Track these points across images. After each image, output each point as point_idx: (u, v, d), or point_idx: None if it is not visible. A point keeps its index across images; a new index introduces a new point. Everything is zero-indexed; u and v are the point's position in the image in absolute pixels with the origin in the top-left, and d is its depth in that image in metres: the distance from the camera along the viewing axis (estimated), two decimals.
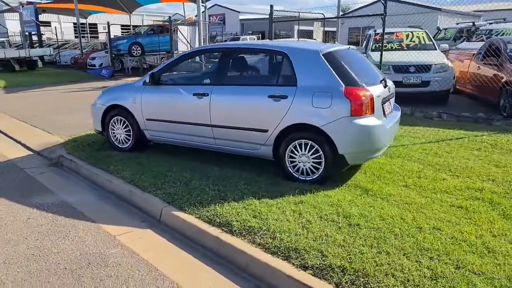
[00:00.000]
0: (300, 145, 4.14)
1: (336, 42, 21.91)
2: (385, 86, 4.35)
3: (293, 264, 2.76)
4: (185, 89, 4.77)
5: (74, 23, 33.56)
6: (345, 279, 2.55)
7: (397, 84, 8.68)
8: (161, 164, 4.79)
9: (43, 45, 24.30)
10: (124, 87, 5.42)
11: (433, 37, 17.98)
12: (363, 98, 3.91)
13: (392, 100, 4.78)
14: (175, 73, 5.06)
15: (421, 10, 22.50)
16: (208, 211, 3.51)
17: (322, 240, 2.98)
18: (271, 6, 10.24)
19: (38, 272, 2.87)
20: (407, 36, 10.14)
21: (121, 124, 5.35)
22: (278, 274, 2.71)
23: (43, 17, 32.63)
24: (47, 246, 3.22)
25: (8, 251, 3.16)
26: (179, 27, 15.30)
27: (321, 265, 2.69)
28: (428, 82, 8.77)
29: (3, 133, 7.33)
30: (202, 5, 23.59)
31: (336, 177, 4.25)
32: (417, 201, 3.70)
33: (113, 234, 3.44)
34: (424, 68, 8.72)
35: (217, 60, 4.73)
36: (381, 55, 8.47)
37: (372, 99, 3.98)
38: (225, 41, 23.15)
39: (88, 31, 37.84)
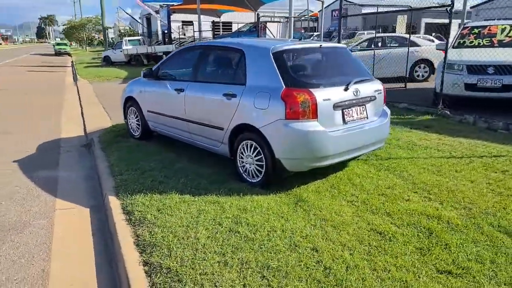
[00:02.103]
0: (247, 145, 4.05)
1: None
2: (346, 89, 3.90)
3: (142, 258, 2.83)
4: (171, 84, 5.06)
5: (212, 22, 36.97)
6: (162, 280, 2.53)
7: (470, 87, 7.56)
8: (147, 152, 5.21)
9: (174, 42, 27.40)
10: (138, 80, 5.97)
11: None
12: (301, 101, 3.62)
13: (371, 105, 4.22)
14: (169, 69, 5.36)
15: None
16: (131, 199, 3.76)
17: (186, 240, 2.95)
18: (341, 1, 9.74)
19: None
20: (503, 30, 8.50)
21: (134, 114, 5.94)
22: (121, 265, 2.82)
23: (186, 17, 36.69)
24: (1, 210, 3.92)
25: None
26: (268, 24, 15.60)
27: (158, 263, 2.70)
28: (511, 87, 7.27)
29: (83, 117, 8.77)
30: (319, 0, 23.48)
31: (286, 183, 4.04)
32: (338, 219, 3.30)
33: (56, 208, 3.97)
34: (507, 69, 7.25)
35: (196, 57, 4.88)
36: (446, 52, 7.37)
37: (314, 103, 3.65)
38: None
39: (221, 29, 41.15)
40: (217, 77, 4.51)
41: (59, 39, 73.46)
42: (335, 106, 3.82)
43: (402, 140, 5.75)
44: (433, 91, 8.42)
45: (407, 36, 12.56)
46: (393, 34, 13.60)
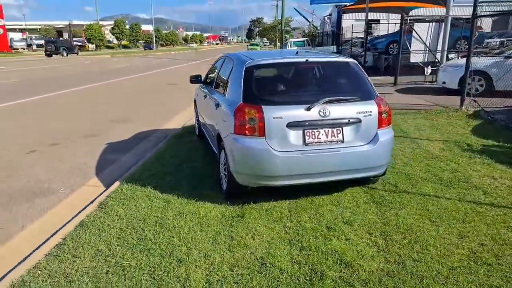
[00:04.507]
0: (222, 154, 4.24)
1: None
2: (308, 109, 3.61)
3: (66, 235, 3.44)
4: (206, 89, 5.55)
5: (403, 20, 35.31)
6: (46, 257, 3.10)
7: None
8: (186, 148, 5.94)
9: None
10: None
11: None
12: (249, 117, 3.61)
13: (352, 128, 3.76)
14: (209, 75, 5.81)
15: None
16: (121, 187, 4.47)
17: (104, 231, 3.46)
18: (475, 0, 8.20)
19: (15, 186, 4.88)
20: None
21: (196, 114, 6.70)
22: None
23: (373, 15, 36.00)
24: (54, 179, 5.20)
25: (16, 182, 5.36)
26: (416, 24, 13.97)
27: (66, 243, 3.31)
28: None
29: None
30: None
31: (250, 196, 4.05)
32: (246, 242, 3.24)
33: (86, 184, 5.02)
34: None
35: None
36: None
37: (262, 120, 3.58)
38: None
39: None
40: (220, 87, 4.76)
41: (266, 39, 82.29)
42: (290, 126, 3.62)
43: (457, 174, 4.76)
44: None
45: None
46: None
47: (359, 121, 3.78)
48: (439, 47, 13.83)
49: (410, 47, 13.73)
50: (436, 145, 6.07)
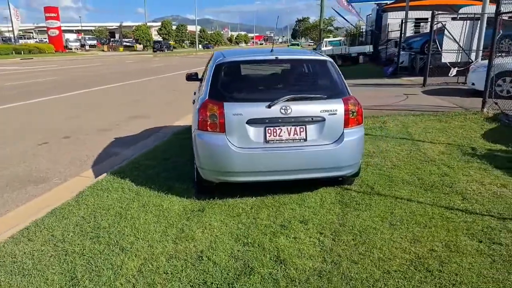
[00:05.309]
0: None
1: None
2: (269, 106, 3.60)
3: (36, 220, 3.70)
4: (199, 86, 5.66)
5: (453, 18, 33.63)
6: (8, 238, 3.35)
7: None
8: (179, 144, 6.06)
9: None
10: None
11: None
12: (210, 113, 3.67)
13: (316, 126, 3.69)
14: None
15: None
16: (103, 179, 4.69)
17: (68, 217, 3.66)
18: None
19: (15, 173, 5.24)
20: None
21: None
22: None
23: (421, 14, 34.63)
24: (53, 168, 5.54)
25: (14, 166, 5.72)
26: (448, 23, 13.25)
27: (33, 225, 3.54)
28: None
29: None
30: None
31: (216, 192, 4.11)
32: (193, 235, 3.32)
33: (79, 174, 5.30)
34: None
35: None
36: None
37: (222, 116, 3.62)
38: None
39: None
40: (201, 84, 4.85)
41: (310, 39, 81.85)
42: (250, 123, 3.63)
43: (444, 178, 4.56)
44: None
45: None
46: None
47: (323, 119, 3.72)
48: (474, 47, 13.07)
49: (440, 46, 13.10)
50: (436, 148, 5.80)
